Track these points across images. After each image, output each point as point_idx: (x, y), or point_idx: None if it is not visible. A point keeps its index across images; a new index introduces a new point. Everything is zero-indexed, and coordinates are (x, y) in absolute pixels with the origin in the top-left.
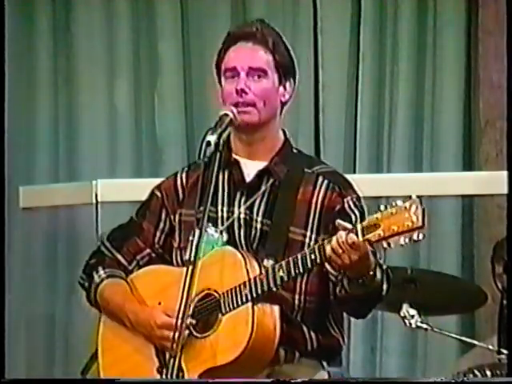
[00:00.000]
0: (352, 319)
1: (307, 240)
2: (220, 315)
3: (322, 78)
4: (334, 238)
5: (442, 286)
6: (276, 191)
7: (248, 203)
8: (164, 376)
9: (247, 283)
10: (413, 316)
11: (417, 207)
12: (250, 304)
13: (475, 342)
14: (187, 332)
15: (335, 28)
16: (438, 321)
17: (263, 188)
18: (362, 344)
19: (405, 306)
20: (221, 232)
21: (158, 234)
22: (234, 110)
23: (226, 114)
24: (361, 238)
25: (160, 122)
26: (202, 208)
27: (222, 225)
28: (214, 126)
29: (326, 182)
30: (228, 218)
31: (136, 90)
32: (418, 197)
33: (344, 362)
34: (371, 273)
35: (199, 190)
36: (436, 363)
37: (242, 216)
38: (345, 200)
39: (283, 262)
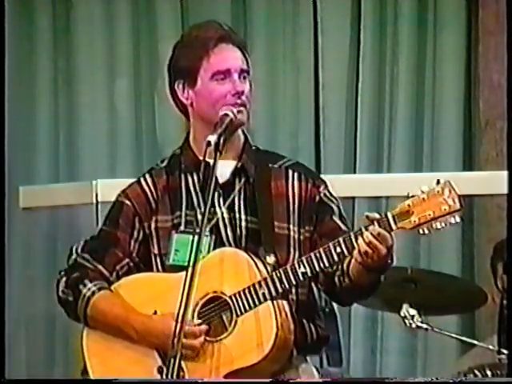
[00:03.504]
0: (352, 319)
1: (291, 233)
2: (234, 317)
3: (322, 78)
4: (368, 232)
5: (442, 286)
6: (250, 189)
7: (227, 203)
8: (164, 376)
9: (263, 282)
10: (413, 316)
11: (450, 190)
12: (269, 303)
13: (475, 342)
14: (202, 338)
15: (335, 28)
16: (437, 321)
17: (238, 187)
18: (362, 344)
19: (405, 306)
20: (202, 234)
21: (132, 243)
22: (235, 110)
23: (226, 114)
24: (394, 227)
25: (160, 122)
26: (178, 213)
27: (208, 226)
28: (214, 126)
29: (296, 174)
30: (210, 220)
31: (136, 90)
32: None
33: (344, 362)
34: (389, 261)
35: (170, 196)
36: (436, 363)
37: (226, 216)
38: (320, 190)
39: (303, 258)
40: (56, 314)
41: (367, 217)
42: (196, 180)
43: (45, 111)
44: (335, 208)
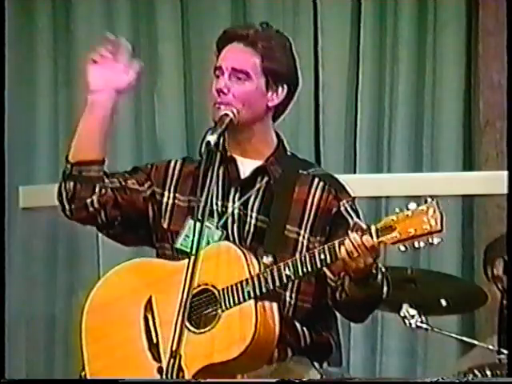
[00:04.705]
0: None
1: (301, 238)
2: (219, 311)
3: (322, 78)
4: (348, 241)
5: (442, 286)
6: (271, 189)
7: (242, 199)
8: (164, 376)
9: (249, 280)
10: (413, 316)
11: (434, 210)
12: (252, 301)
13: (475, 342)
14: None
15: (335, 28)
16: (438, 321)
17: (258, 185)
18: (362, 344)
19: (405, 306)
20: (216, 226)
21: (141, 188)
22: (235, 111)
23: (226, 114)
24: (375, 240)
25: (160, 122)
26: (193, 197)
27: (218, 219)
28: (214, 126)
29: (321, 183)
30: (222, 213)
31: (136, 90)
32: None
33: (344, 362)
34: (374, 271)
35: (194, 180)
36: (436, 363)
37: (236, 211)
38: (341, 203)
39: (289, 261)
40: (56, 314)
41: (355, 225)
42: (221, 173)
43: (45, 111)
44: (352, 223)
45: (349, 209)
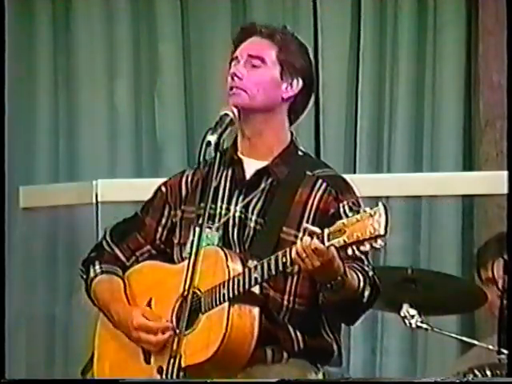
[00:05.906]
0: None
1: (299, 241)
2: (200, 314)
3: (322, 78)
4: (299, 242)
5: (442, 286)
6: (274, 191)
7: (245, 202)
8: (164, 376)
9: (226, 283)
10: (413, 316)
11: (380, 215)
12: (226, 304)
13: (475, 342)
14: (160, 336)
15: (335, 28)
16: (437, 321)
17: (261, 187)
18: (362, 344)
19: (405, 306)
20: (217, 229)
21: (160, 229)
22: (235, 111)
23: (227, 114)
24: (326, 244)
25: (160, 122)
26: (202, 205)
27: (219, 222)
28: (214, 126)
29: (324, 185)
30: (225, 216)
31: (136, 89)
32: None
33: (344, 362)
34: (339, 278)
35: (201, 187)
36: (436, 363)
37: (237, 214)
38: (341, 204)
39: (259, 264)
40: (56, 314)
41: (307, 228)
42: (229, 175)
43: (45, 111)
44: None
45: (347, 210)
